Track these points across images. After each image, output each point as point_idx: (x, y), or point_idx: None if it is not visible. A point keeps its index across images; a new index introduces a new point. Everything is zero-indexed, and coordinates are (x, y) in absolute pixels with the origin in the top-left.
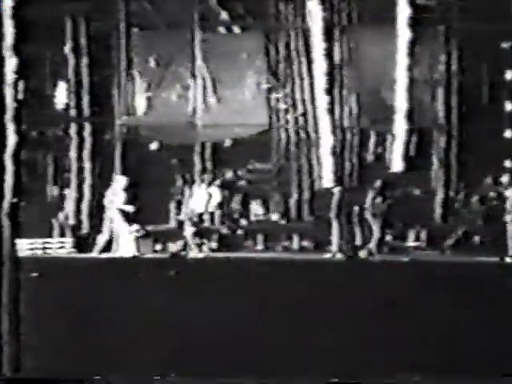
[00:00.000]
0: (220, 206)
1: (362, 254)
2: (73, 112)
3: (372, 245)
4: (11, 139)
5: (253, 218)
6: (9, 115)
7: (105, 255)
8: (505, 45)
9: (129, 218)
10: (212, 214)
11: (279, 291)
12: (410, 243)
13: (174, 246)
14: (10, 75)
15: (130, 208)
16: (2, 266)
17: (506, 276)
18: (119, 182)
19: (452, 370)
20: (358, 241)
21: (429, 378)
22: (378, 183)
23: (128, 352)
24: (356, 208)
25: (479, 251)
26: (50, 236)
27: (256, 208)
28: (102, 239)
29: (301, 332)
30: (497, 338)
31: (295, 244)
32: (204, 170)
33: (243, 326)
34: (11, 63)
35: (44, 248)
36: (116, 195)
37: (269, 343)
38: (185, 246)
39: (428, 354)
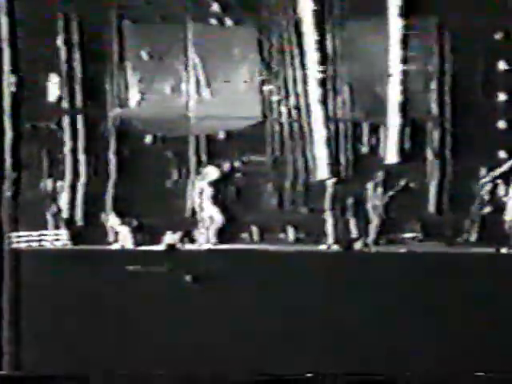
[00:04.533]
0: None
1: (358, 245)
2: (65, 104)
3: (370, 237)
4: (8, 133)
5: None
6: (6, 109)
7: (101, 247)
8: (498, 36)
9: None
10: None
11: (275, 283)
12: (406, 235)
13: (169, 238)
14: (5, 68)
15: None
16: (1, 261)
17: (502, 267)
18: (210, 173)
19: (450, 364)
20: (354, 233)
21: (425, 371)
22: (380, 174)
23: (129, 349)
24: (351, 200)
25: (475, 242)
26: (46, 228)
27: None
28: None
29: (297, 324)
30: (494, 331)
31: (290, 236)
32: (199, 163)
33: (238, 317)
34: (5, 56)
35: (40, 240)
36: (205, 187)
37: (265, 336)
38: (182, 239)
39: (425, 347)
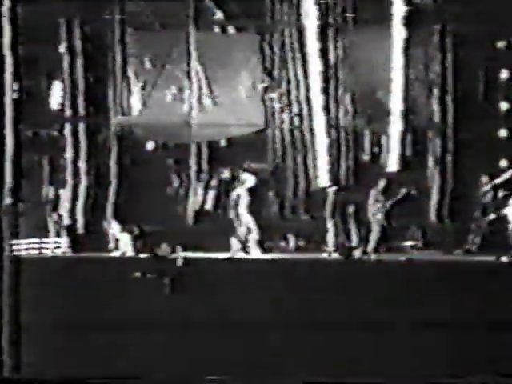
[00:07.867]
0: (215, 206)
1: (358, 253)
2: (68, 112)
3: (370, 244)
4: (9, 140)
5: None
6: (7, 116)
7: (99, 255)
8: (500, 44)
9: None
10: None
11: (277, 290)
12: (406, 242)
13: (164, 248)
14: (7, 76)
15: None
16: (2, 267)
17: (502, 275)
18: (247, 180)
19: (449, 369)
20: (354, 240)
21: (422, 377)
22: (382, 183)
23: (129, 351)
24: (351, 207)
25: (476, 250)
26: (46, 236)
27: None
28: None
29: (297, 331)
30: (494, 337)
31: (291, 244)
32: (200, 170)
33: (238, 325)
34: (8, 63)
35: (40, 248)
36: (243, 194)
37: (264, 342)
38: (173, 248)
39: (423, 353)
